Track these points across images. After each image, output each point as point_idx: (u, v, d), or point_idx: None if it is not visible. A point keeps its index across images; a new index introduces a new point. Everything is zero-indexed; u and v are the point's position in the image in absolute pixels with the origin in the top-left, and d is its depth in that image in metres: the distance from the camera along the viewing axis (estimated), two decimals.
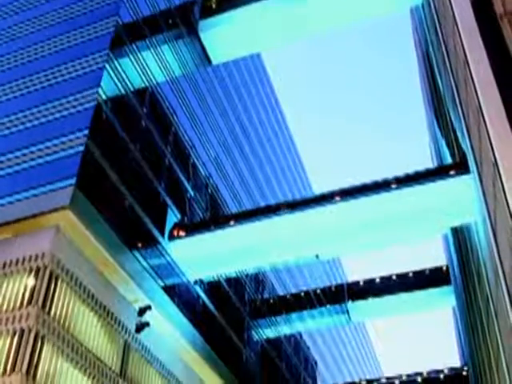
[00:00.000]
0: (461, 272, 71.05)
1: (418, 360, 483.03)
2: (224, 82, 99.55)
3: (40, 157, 56.24)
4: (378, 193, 63.47)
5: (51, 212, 50.01)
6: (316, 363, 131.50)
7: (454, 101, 48.23)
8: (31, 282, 47.34)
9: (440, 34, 55.14)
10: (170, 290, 65.13)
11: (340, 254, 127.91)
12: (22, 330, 44.63)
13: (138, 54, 68.90)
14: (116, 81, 63.37)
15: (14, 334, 44.81)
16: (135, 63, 67.87)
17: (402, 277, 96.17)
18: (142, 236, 62.32)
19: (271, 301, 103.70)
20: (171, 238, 68.08)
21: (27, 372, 42.86)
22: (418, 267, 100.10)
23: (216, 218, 79.95)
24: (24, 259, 48.80)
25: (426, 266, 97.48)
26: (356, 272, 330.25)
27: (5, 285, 48.59)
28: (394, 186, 63.45)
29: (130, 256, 58.11)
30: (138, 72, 68.24)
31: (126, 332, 57.28)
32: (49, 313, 46.79)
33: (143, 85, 69.74)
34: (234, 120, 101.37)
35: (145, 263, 60.66)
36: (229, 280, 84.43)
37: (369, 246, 74.11)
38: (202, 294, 74.47)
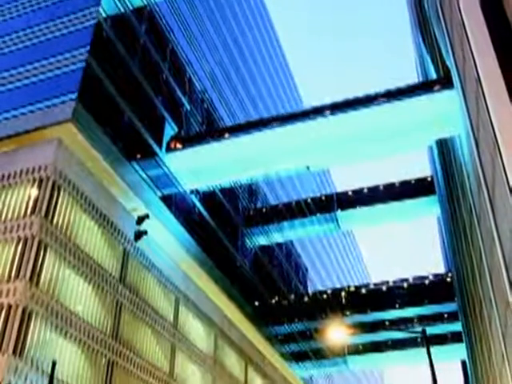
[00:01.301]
0: (445, 182, 71.68)
1: (404, 268, 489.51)
2: (219, 1, 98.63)
3: (43, 73, 56.34)
4: (366, 106, 63.80)
5: (54, 125, 50.45)
6: (307, 270, 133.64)
7: (438, 17, 47.96)
8: (34, 192, 48.06)
9: None
10: (167, 200, 65.92)
11: (330, 166, 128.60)
12: (26, 238, 45.55)
13: None
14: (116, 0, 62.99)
15: (18, 241, 45.78)
16: None
17: (389, 187, 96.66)
18: (140, 148, 62.82)
19: (264, 210, 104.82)
20: (168, 150, 68.55)
21: (31, 278, 43.88)
22: (404, 178, 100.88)
23: (211, 131, 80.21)
24: (28, 171, 49.44)
25: (412, 176, 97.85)
26: (345, 183, 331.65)
27: (9, 195, 49.39)
28: (381, 99, 63.71)
29: (129, 167, 58.78)
30: None
31: (125, 240, 58.30)
32: (51, 222, 47.64)
33: (142, 3, 69.20)
34: (228, 38, 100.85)
35: (143, 174, 61.32)
36: (223, 190, 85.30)
37: (357, 157, 74.43)
38: (198, 204, 75.35)
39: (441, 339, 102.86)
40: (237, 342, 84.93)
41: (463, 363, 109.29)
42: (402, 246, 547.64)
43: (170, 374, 62.75)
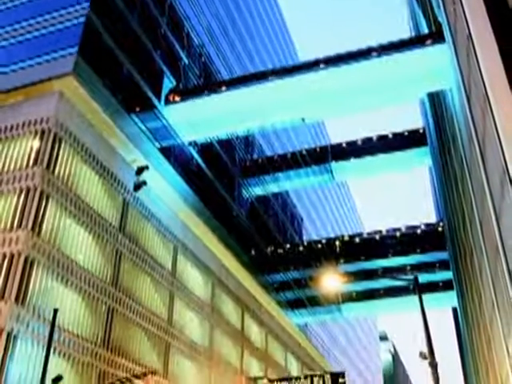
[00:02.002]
0: (437, 134, 71.96)
1: (397, 218, 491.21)
2: None
3: (45, 27, 56.34)
4: (359, 61, 64.03)
5: (55, 79, 50.59)
6: (302, 219, 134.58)
7: None
8: (36, 144, 48.46)
9: None
10: (165, 152, 66.34)
11: (324, 118, 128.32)
12: (28, 189, 46.05)
13: None
14: None
15: (21, 192, 46.27)
16: None
17: (382, 138, 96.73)
18: (139, 101, 63.12)
19: (260, 161, 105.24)
20: (167, 102, 68.89)
21: (32, 228, 44.44)
22: (397, 129, 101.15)
23: (209, 84, 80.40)
24: (30, 123, 49.73)
25: (405, 128, 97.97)
26: (339, 135, 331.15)
27: (12, 147, 49.76)
28: (374, 53, 63.89)
29: (128, 120, 59.12)
30: None
31: (125, 190, 58.77)
32: (53, 172, 48.09)
33: None
34: None
35: (142, 126, 61.68)
36: (220, 142, 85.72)
37: (350, 109, 74.66)
38: (196, 155, 75.80)
39: (432, 287, 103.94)
40: (234, 290, 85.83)
41: (454, 310, 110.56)
42: (394, 196, 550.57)
43: (168, 321, 63.70)
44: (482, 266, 43.68)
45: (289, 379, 62.41)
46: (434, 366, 30.75)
